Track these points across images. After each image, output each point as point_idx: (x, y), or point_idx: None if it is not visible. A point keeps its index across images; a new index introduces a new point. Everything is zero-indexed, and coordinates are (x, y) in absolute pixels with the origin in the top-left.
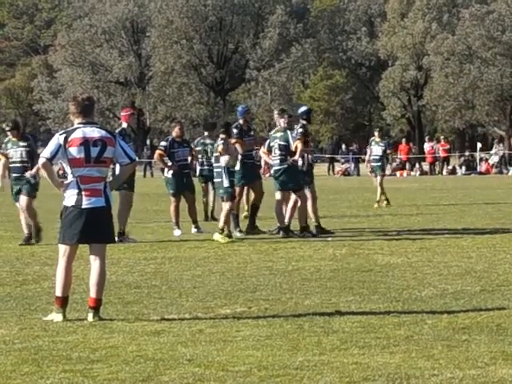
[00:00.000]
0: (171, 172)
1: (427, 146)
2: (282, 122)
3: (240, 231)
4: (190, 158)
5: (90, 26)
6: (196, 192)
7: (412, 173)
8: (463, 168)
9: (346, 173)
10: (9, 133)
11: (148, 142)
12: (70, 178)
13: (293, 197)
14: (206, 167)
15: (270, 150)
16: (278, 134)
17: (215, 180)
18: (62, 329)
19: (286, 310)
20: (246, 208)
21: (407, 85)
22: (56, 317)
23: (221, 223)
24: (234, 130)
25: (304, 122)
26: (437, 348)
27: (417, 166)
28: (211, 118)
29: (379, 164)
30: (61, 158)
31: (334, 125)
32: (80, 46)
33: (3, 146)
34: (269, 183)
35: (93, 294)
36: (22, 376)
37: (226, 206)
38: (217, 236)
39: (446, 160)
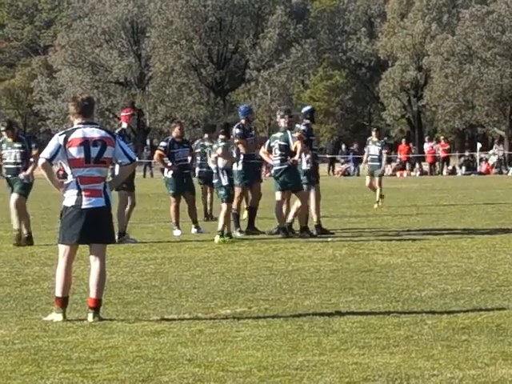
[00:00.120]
0: (171, 172)
1: (427, 147)
2: (282, 122)
3: (240, 231)
4: (190, 159)
5: (90, 27)
6: (196, 193)
7: (412, 173)
8: (463, 168)
9: (345, 173)
10: (4, 133)
11: (148, 142)
12: (69, 178)
13: (300, 201)
14: (204, 169)
15: (270, 150)
16: (278, 134)
17: (214, 181)
18: (62, 329)
19: (286, 311)
20: (245, 207)
21: (407, 85)
22: (56, 317)
23: (220, 225)
24: (237, 130)
25: (308, 122)
26: (437, 348)
27: (417, 166)
28: (211, 118)
29: (377, 164)
30: (61, 159)
31: (334, 125)
32: (80, 46)
33: None
34: (269, 183)
35: (93, 294)
36: (21, 376)
37: (224, 207)
38: (217, 239)
39: (446, 160)
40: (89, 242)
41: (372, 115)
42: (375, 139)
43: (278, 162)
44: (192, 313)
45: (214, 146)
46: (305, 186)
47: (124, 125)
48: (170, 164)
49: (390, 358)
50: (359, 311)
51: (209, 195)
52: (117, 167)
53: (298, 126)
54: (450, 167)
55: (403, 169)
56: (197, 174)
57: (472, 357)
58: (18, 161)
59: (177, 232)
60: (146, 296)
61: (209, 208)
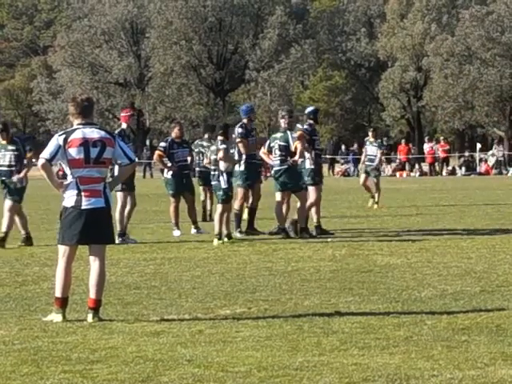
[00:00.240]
0: (171, 173)
1: (427, 147)
2: (282, 123)
3: (240, 232)
4: (189, 159)
5: (90, 27)
6: (196, 193)
7: (412, 173)
8: (463, 169)
9: (345, 173)
10: None
11: (148, 142)
12: (69, 178)
13: (310, 197)
14: (203, 169)
15: (270, 151)
16: (278, 135)
17: (213, 182)
18: (62, 329)
19: (286, 311)
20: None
21: (407, 86)
22: (56, 317)
23: (216, 228)
24: (239, 130)
25: (311, 122)
26: (436, 349)
27: (416, 166)
28: (211, 118)
29: (374, 164)
30: (60, 159)
31: (334, 125)
32: (79, 46)
33: None
34: (269, 184)
35: (92, 294)
36: (21, 377)
37: (219, 208)
38: (216, 242)
39: (446, 161)
40: (88, 243)
41: (372, 116)
42: (372, 139)
43: (278, 162)
44: (192, 313)
45: (212, 148)
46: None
47: (123, 125)
48: (169, 164)
49: (390, 358)
50: (359, 312)
51: (209, 195)
52: (116, 168)
53: (298, 125)
54: (450, 168)
55: (403, 169)
56: (196, 174)
57: (472, 357)
58: (12, 163)
59: (176, 232)
60: (145, 296)
61: (209, 208)
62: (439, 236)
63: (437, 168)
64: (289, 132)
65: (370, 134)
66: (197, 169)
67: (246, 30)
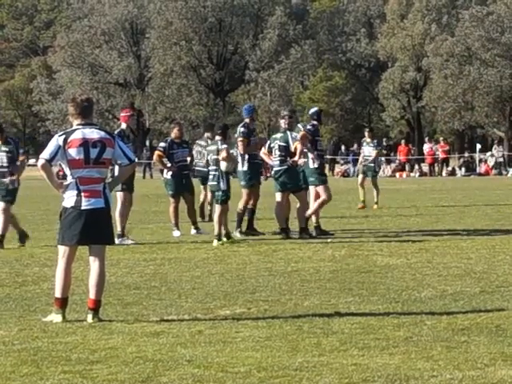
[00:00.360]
0: (170, 173)
1: (426, 148)
2: (282, 123)
3: (240, 232)
4: (189, 159)
5: (90, 27)
6: (196, 193)
7: (411, 174)
8: (463, 169)
9: (345, 174)
10: None
11: (147, 143)
12: (69, 179)
13: (321, 196)
14: (202, 169)
15: (270, 151)
16: (278, 135)
17: (211, 183)
18: (62, 330)
19: (286, 311)
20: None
21: (407, 86)
22: (55, 318)
23: (216, 229)
24: (242, 129)
25: (315, 123)
26: (436, 349)
27: (416, 167)
28: (211, 119)
29: (371, 164)
30: (60, 160)
31: (334, 126)
32: (79, 47)
33: None
34: (269, 184)
35: (92, 295)
36: (21, 377)
37: (218, 209)
38: (215, 243)
39: (446, 161)
40: (88, 243)
41: (372, 116)
42: (369, 140)
43: (278, 162)
44: (191, 314)
45: (210, 148)
46: (311, 187)
47: (123, 125)
48: (169, 165)
49: (390, 358)
50: (359, 312)
51: (209, 195)
52: (116, 168)
53: (299, 125)
54: (450, 168)
55: (402, 170)
56: (196, 173)
57: (471, 358)
58: (4, 164)
59: (176, 233)
60: (145, 297)
61: (209, 208)
62: (439, 236)
63: (436, 169)
64: (289, 132)
65: (367, 134)
66: (196, 168)
67: (246, 31)
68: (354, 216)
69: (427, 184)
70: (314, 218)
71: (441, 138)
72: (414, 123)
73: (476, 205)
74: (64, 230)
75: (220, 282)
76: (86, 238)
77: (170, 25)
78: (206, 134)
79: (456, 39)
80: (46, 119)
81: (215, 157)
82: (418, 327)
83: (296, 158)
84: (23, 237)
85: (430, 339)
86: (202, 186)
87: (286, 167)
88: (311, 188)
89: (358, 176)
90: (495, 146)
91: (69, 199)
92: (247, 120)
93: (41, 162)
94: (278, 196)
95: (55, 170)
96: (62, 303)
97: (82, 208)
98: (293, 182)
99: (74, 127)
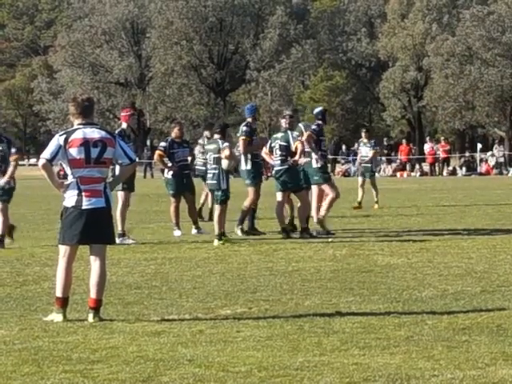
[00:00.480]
0: (171, 173)
1: (427, 147)
2: (283, 123)
3: (242, 230)
4: (190, 159)
5: (90, 27)
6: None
7: (412, 174)
8: (463, 169)
9: (346, 174)
10: None
11: (148, 142)
12: (70, 178)
13: (329, 194)
14: (201, 167)
15: (271, 151)
16: (279, 135)
17: (210, 182)
18: (63, 329)
19: (287, 311)
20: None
21: (407, 86)
22: (56, 317)
23: (216, 229)
24: (244, 128)
25: (320, 122)
26: (437, 349)
27: (417, 166)
28: (211, 118)
29: (368, 165)
30: (61, 159)
31: (335, 126)
32: (80, 46)
33: None
34: (269, 184)
35: (93, 294)
36: (22, 376)
37: (218, 209)
38: (216, 243)
39: (447, 161)
40: (89, 243)
41: (372, 116)
42: (365, 140)
43: (279, 162)
44: (192, 313)
45: (209, 146)
46: (313, 186)
47: (124, 125)
48: (169, 164)
49: (391, 358)
50: (360, 312)
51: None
52: (117, 167)
53: (300, 125)
54: (451, 168)
55: (403, 169)
56: (197, 172)
57: (472, 357)
58: None
59: (177, 232)
60: (146, 296)
61: (210, 206)
62: (440, 236)
63: (437, 168)
64: (289, 132)
65: (363, 134)
66: (196, 167)
67: (247, 30)
68: (355, 216)
69: (428, 184)
70: (315, 218)
71: (442, 138)
72: (415, 123)
73: (477, 204)
74: (65, 229)
75: (221, 282)
76: (87, 237)
77: (170, 24)
78: (205, 133)
79: (457, 39)
80: (47, 119)
81: (216, 155)
82: (419, 327)
83: (297, 158)
84: (11, 230)
85: (431, 339)
86: (204, 184)
87: (286, 167)
88: (314, 187)
89: (358, 175)
90: (496, 146)
91: (69, 199)
92: (249, 119)
93: (41, 161)
94: (279, 196)
95: (56, 169)
96: (63, 303)
97: (83, 208)
98: (293, 181)
99: (75, 127)
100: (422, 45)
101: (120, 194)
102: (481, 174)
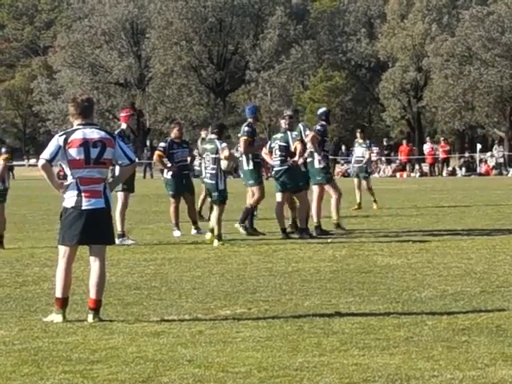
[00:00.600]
0: (170, 173)
1: (427, 148)
2: (282, 123)
3: (244, 228)
4: (189, 159)
5: (90, 28)
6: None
7: (412, 174)
8: (463, 169)
9: (345, 174)
10: None
11: (148, 143)
12: (69, 179)
13: (332, 195)
14: (199, 168)
15: (271, 151)
16: (279, 135)
17: (208, 181)
18: (62, 330)
19: (286, 311)
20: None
21: (407, 86)
22: (56, 318)
23: (216, 230)
24: (246, 128)
25: (324, 123)
26: (437, 349)
27: (417, 167)
28: (211, 119)
29: (363, 166)
30: (60, 160)
31: (334, 126)
32: (80, 47)
33: None
34: (269, 184)
35: (93, 295)
36: (21, 377)
37: (217, 209)
38: (216, 243)
39: (446, 161)
40: (89, 243)
41: (372, 116)
42: (361, 141)
43: (279, 162)
44: (192, 314)
45: (206, 146)
46: (314, 186)
47: (123, 125)
48: (169, 165)
49: (390, 358)
50: (359, 312)
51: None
52: (117, 168)
53: (300, 125)
54: (450, 168)
55: (403, 170)
56: (196, 173)
57: (472, 358)
58: None
59: (176, 233)
60: (145, 297)
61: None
62: (439, 236)
63: (437, 169)
64: (289, 132)
65: (358, 135)
66: (195, 167)
67: (247, 31)
68: (355, 216)
69: (427, 184)
70: (315, 218)
71: (441, 138)
72: (415, 123)
73: (476, 205)
74: (64, 230)
75: (220, 282)
76: (87, 238)
77: (170, 25)
78: (202, 133)
79: (456, 39)
80: (47, 119)
81: (214, 156)
82: (419, 327)
83: (296, 158)
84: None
85: (431, 339)
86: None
87: (286, 167)
88: (315, 188)
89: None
90: (495, 146)
91: (69, 199)
92: (251, 120)
93: (41, 162)
94: (279, 196)
95: (56, 170)
96: (63, 303)
97: (83, 208)
98: (293, 182)
99: (75, 127)
100: (421, 45)
101: (119, 195)
102: (480, 174)
